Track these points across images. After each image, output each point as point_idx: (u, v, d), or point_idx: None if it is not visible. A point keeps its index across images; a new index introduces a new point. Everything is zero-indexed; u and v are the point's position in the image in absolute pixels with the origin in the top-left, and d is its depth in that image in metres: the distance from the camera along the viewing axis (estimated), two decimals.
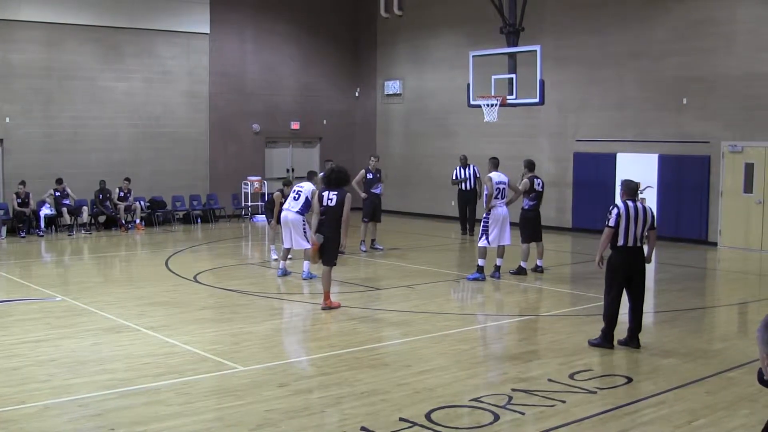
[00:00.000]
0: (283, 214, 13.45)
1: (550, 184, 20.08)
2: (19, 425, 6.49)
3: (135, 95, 21.80)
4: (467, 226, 19.60)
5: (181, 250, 17.23)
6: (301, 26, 24.68)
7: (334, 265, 11.07)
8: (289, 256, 14.45)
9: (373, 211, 16.72)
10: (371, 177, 16.78)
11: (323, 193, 10.97)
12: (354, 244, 16.71)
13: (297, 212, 13.17)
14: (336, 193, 10.83)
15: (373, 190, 16.74)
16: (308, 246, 13.32)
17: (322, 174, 16.08)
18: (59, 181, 19.59)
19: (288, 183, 14.47)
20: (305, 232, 13.18)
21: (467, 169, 19.27)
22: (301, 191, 13.38)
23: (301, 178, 15.30)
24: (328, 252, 10.95)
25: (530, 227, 14.02)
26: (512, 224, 13.73)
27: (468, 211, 19.54)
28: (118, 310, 10.88)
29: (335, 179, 11.00)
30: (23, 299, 11.75)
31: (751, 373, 7.44)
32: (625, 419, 6.74)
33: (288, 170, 24.37)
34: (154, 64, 22.06)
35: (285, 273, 13.61)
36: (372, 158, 17.23)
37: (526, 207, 14.00)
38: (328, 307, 10.97)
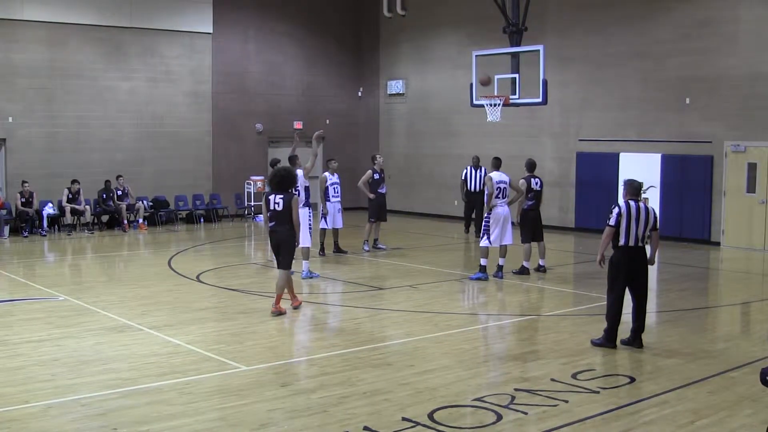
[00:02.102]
0: None
1: (553, 184, 20.11)
2: (22, 425, 6.50)
3: (138, 95, 21.82)
4: (470, 226, 19.49)
5: (184, 249, 17.24)
6: (304, 26, 24.69)
7: (290, 268, 10.74)
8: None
9: (379, 210, 16.69)
10: (378, 177, 16.73)
11: (269, 197, 10.60)
12: (357, 244, 16.73)
13: (302, 206, 13.12)
14: (282, 196, 10.46)
15: (380, 190, 16.69)
16: (307, 244, 13.31)
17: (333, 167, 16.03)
18: (75, 182, 19.66)
19: (275, 163, 14.24)
20: (309, 228, 13.25)
21: (479, 171, 18.88)
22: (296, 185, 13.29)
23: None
24: (284, 256, 10.59)
25: (530, 227, 14.02)
26: (513, 224, 13.75)
27: (475, 213, 19.21)
28: (120, 310, 10.89)
29: (281, 182, 10.58)
30: (26, 299, 11.77)
31: (754, 373, 7.44)
32: (627, 419, 6.74)
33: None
34: (157, 63, 22.08)
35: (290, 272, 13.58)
36: (378, 157, 17.14)
37: (525, 207, 14.00)
38: (278, 312, 10.53)
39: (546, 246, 14.38)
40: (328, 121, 25.30)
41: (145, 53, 21.86)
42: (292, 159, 13.83)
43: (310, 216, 13.36)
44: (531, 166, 14.23)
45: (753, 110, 17.03)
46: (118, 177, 20.64)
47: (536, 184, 14.07)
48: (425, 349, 8.98)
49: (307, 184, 13.41)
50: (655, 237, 9.17)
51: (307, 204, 13.25)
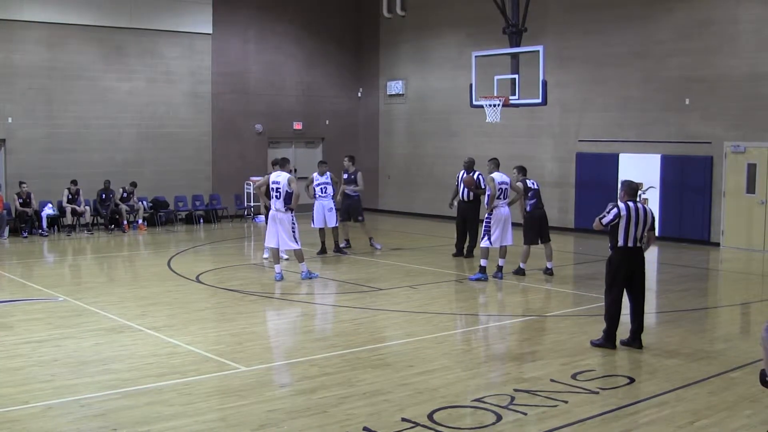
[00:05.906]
0: (271, 213, 13.20)
1: (553, 185, 20.12)
2: (22, 425, 6.50)
3: (137, 95, 21.81)
4: (463, 247, 15.91)
5: (184, 250, 17.24)
6: (304, 26, 24.69)
7: None
8: (285, 257, 14.43)
9: (346, 211, 16.75)
10: (345, 177, 16.79)
11: None
12: (357, 245, 16.72)
13: (285, 210, 12.97)
14: None
15: (346, 191, 16.69)
16: (296, 246, 13.15)
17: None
18: (74, 182, 19.67)
19: (277, 163, 14.00)
20: (294, 232, 13.00)
21: (472, 175, 15.55)
22: (279, 186, 12.97)
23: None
24: None
25: (536, 228, 13.92)
26: (514, 224, 13.74)
27: (467, 228, 15.76)
28: (120, 311, 10.89)
29: None
30: (26, 299, 11.77)
31: (754, 373, 7.43)
32: (627, 420, 6.74)
33: (290, 171, 24.34)
34: (157, 64, 22.08)
35: (282, 277, 13.41)
36: (345, 159, 16.98)
37: (529, 208, 13.92)
38: None
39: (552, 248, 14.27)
40: (327, 122, 25.32)
41: (144, 54, 21.85)
42: (285, 160, 13.69)
43: (293, 220, 13.14)
44: (523, 171, 14.14)
45: (753, 110, 17.03)
46: (132, 183, 20.65)
47: (533, 183, 14.02)
48: (425, 349, 8.98)
49: (290, 191, 13.14)
50: (651, 237, 9.19)
51: (290, 209, 13.04)
